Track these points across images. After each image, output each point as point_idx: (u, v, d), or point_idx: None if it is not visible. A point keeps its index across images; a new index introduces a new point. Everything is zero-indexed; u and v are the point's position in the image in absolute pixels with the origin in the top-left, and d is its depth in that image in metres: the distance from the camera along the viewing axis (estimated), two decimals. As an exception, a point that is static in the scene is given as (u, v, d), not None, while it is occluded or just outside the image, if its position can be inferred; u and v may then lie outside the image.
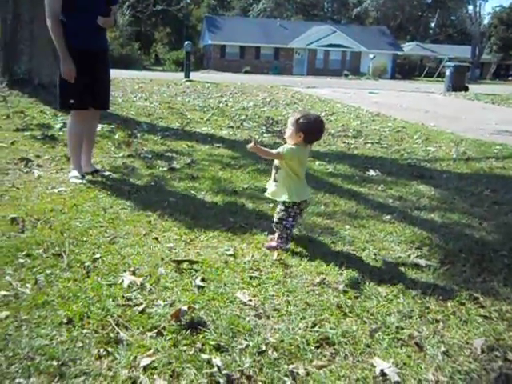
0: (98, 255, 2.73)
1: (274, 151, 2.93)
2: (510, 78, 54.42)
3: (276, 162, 2.99)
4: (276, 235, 3.02)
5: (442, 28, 68.40)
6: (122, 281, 2.44)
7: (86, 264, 2.61)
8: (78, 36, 3.99)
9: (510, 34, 55.91)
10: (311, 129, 2.88)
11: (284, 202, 2.95)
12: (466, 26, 58.23)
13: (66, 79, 3.99)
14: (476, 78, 44.82)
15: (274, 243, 3.00)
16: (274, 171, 3.01)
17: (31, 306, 2.17)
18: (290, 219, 2.96)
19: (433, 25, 67.36)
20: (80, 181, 4.12)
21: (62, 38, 3.95)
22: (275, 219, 3.00)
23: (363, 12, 60.58)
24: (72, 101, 4.09)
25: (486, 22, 61.44)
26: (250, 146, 2.89)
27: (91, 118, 4.43)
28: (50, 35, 3.97)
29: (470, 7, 57.35)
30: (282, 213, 2.97)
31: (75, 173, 4.24)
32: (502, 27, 58.05)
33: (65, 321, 2.07)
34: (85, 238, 2.96)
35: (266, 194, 3.09)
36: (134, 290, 2.37)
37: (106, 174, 4.43)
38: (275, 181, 2.99)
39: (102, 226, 3.18)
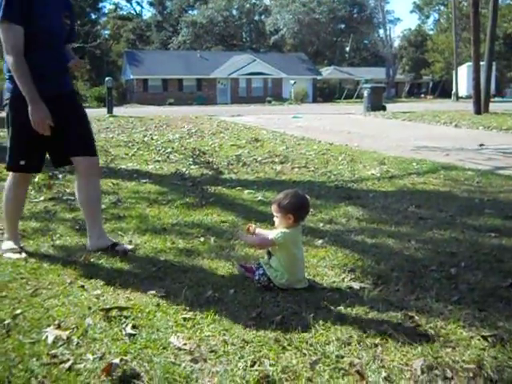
0: (18, 311, 2.54)
1: (268, 238, 2.83)
2: (422, 95, 57.53)
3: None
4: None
5: (357, 52, 71.44)
6: (46, 336, 2.27)
7: (6, 322, 2.42)
8: (45, 78, 3.21)
9: (419, 54, 59.15)
10: (298, 206, 2.83)
11: (270, 278, 2.80)
12: (378, 49, 61.13)
13: (37, 131, 3.15)
14: (392, 97, 46.91)
15: (250, 271, 2.92)
16: (266, 256, 2.92)
17: None
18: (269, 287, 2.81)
19: (348, 49, 70.14)
20: (18, 255, 3.33)
21: (30, 77, 3.10)
22: (256, 277, 2.84)
23: (280, 40, 62.28)
24: (23, 162, 3.31)
25: (396, 44, 64.85)
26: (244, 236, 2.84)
27: (85, 175, 3.47)
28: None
29: (381, 31, 60.48)
30: (263, 278, 2.81)
31: (10, 244, 3.47)
32: (412, 49, 61.40)
33: (-18, 389, 1.89)
34: (4, 293, 2.76)
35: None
36: (60, 346, 2.21)
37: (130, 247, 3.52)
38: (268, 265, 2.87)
39: (23, 278, 2.98)
